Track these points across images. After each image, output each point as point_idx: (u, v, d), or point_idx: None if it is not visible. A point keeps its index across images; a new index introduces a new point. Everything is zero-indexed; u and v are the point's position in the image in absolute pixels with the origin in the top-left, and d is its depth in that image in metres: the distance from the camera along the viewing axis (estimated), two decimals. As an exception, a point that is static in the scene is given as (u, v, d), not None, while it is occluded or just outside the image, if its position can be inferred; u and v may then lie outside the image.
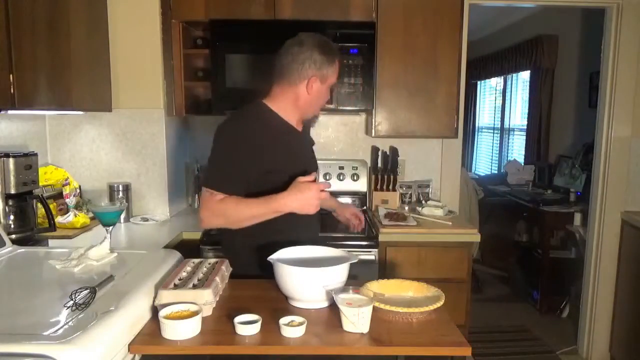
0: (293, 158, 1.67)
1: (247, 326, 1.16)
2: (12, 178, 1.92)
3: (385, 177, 2.78)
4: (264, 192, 1.56)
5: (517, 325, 3.54)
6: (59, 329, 1.04)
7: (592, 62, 3.61)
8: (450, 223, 2.47)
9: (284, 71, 1.63)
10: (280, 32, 2.43)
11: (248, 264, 1.64)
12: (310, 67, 1.60)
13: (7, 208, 1.93)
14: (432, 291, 1.39)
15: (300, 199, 1.51)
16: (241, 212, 1.54)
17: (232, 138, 1.60)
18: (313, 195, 1.51)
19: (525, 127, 4.95)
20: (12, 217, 1.94)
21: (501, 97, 5.81)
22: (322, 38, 1.66)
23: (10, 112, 2.07)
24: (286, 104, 1.66)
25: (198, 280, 1.34)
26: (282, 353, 1.14)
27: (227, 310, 1.27)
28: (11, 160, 1.92)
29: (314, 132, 2.93)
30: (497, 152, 5.80)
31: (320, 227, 2.42)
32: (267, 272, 1.40)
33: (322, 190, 1.54)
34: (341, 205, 2.10)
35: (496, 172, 5.67)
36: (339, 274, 1.31)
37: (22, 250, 1.68)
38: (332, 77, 1.67)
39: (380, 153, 2.90)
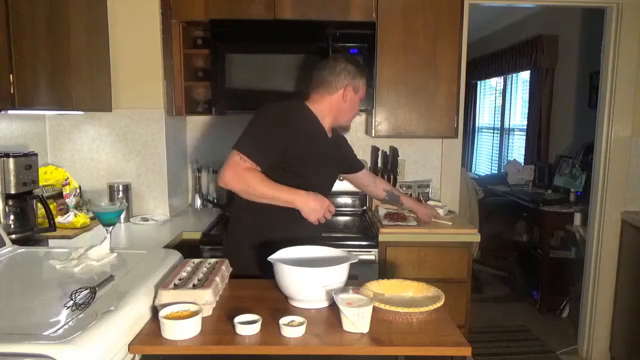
0: (318, 158, 1.78)
1: (247, 326, 1.16)
2: (12, 178, 1.92)
3: (385, 177, 2.78)
4: (276, 180, 1.65)
5: (517, 325, 3.54)
6: (59, 329, 1.04)
7: (592, 62, 3.61)
8: (450, 223, 2.47)
9: (322, 82, 1.79)
10: (280, 32, 2.47)
11: (252, 263, 1.65)
12: (346, 77, 1.78)
13: (7, 208, 1.93)
14: (432, 291, 1.39)
15: (312, 206, 1.67)
16: (263, 188, 1.63)
17: (277, 116, 1.71)
18: (322, 209, 1.69)
19: (525, 127, 4.95)
20: (12, 217, 1.94)
21: (501, 97, 5.82)
22: (353, 57, 1.94)
23: (10, 112, 2.07)
24: (323, 109, 1.80)
25: (198, 280, 1.34)
26: (282, 353, 1.14)
27: (227, 310, 1.28)
28: (11, 160, 1.92)
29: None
30: (497, 152, 5.80)
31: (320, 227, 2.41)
32: (271, 273, 1.41)
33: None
34: (420, 206, 2.45)
35: (496, 172, 5.67)
36: (339, 274, 1.31)
37: (22, 250, 1.68)
38: (362, 89, 1.85)
39: (380, 153, 2.90)
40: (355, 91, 1.81)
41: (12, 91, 1.70)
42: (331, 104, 1.80)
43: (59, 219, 2.16)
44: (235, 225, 1.83)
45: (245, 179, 1.62)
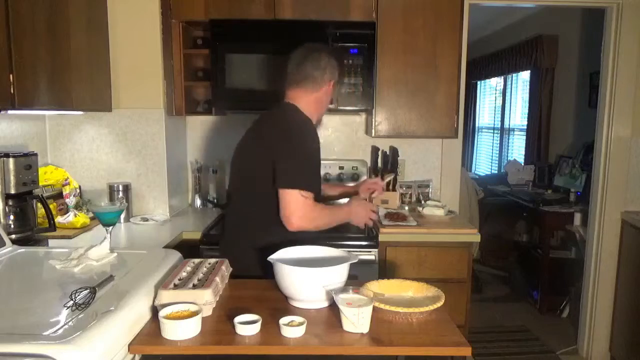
0: (320, 160, 1.77)
1: (247, 326, 1.16)
2: (12, 178, 1.92)
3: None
4: None
5: (517, 325, 3.54)
6: (59, 329, 1.04)
7: (592, 62, 3.61)
8: (451, 223, 2.47)
9: (308, 77, 1.73)
10: (280, 32, 2.47)
11: (253, 263, 1.65)
12: (330, 72, 1.75)
13: (7, 208, 1.93)
14: (432, 291, 1.39)
15: (359, 213, 1.75)
16: (328, 220, 1.68)
17: (308, 133, 1.68)
18: (368, 213, 1.79)
19: (525, 127, 4.95)
20: (12, 217, 1.94)
21: (501, 97, 5.82)
22: (328, 47, 1.86)
23: (10, 112, 2.07)
24: (310, 106, 1.76)
25: (198, 280, 1.34)
26: (282, 353, 1.14)
27: (227, 310, 1.28)
28: (11, 160, 1.92)
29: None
30: (497, 152, 5.80)
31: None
32: (269, 274, 1.41)
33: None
34: (355, 185, 2.31)
35: (496, 172, 5.67)
36: (339, 274, 1.31)
37: (22, 250, 1.68)
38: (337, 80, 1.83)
39: (380, 153, 2.90)
40: (335, 85, 1.79)
41: (12, 91, 1.70)
42: (317, 100, 1.76)
43: (59, 219, 2.16)
44: (239, 226, 1.83)
45: (315, 218, 1.64)
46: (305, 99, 1.75)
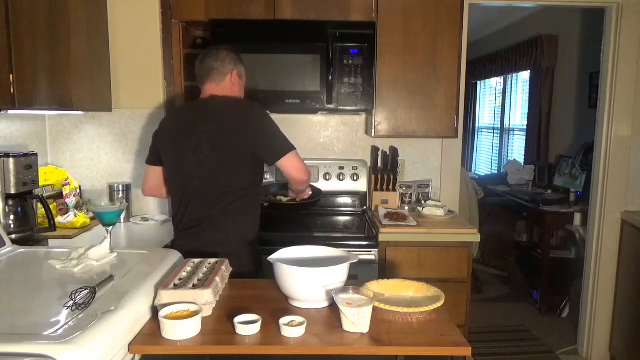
0: None
1: (247, 326, 1.16)
2: (12, 178, 1.92)
3: (385, 177, 2.78)
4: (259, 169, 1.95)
5: (517, 325, 3.54)
6: (59, 329, 1.04)
7: (592, 62, 3.61)
8: (451, 223, 2.47)
9: (209, 70, 1.87)
10: (280, 32, 2.47)
11: (249, 261, 1.67)
12: (230, 63, 1.90)
13: (7, 208, 1.93)
14: (432, 291, 1.39)
15: None
16: None
17: (259, 106, 1.89)
18: None
19: (525, 127, 4.96)
20: (12, 217, 1.94)
21: (501, 97, 5.82)
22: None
23: (10, 112, 2.08)
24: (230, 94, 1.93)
25: (198, 280, 1.34)
26: (282, 353, 1.14)
27: (227, 310, 1.28)
28: (11, 160, 1.92)
29: (314, 132, 2.94)
30: (497, 152, 5.81)
31: (320, 227, 2.45)
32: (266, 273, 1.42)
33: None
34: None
35: (496, 172, 5.67)
36: (339, 274, 1.32)
37: (22, 250, 1.68)
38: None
39: (380, 153, 2.90)
40: (239, 75, 1.93)
41: (12, 91, 1.70)
42: (224, 90, 1.88)
43: (59, 219, 2.16)
44: (234, 223, 1.85)
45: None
46: (216, 91, 1.87)
